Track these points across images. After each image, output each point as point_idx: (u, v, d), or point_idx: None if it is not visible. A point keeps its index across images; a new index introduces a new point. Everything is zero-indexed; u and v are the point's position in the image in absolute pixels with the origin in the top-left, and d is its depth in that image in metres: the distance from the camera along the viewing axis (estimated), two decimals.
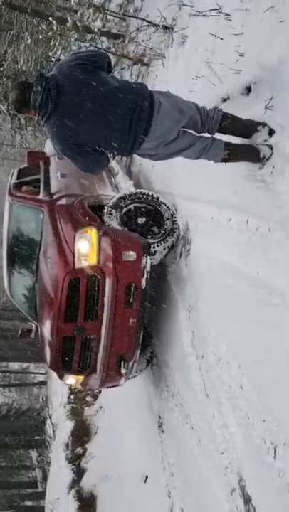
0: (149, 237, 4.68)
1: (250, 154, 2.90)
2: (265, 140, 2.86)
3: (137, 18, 6.20)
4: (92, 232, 4.20)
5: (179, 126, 2.78)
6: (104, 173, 6.02)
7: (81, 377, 4.61)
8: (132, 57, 6.80)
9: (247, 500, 3.00)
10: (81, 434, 8.36)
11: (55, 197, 5.08)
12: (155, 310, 5.61)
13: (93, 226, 4.27)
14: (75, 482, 7.28)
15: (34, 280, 5.03)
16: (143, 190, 4.94)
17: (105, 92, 2.61)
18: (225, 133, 2.99)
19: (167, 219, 4.77)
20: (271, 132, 2.84)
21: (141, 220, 4.79)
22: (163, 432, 4.99)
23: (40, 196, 5.16)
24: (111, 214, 4.64)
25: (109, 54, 7.34)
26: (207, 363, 3.81)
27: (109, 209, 4.67)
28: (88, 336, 4.30)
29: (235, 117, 2.98)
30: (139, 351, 4.58)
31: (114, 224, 4.60)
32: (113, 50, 7.14)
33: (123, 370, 4.46)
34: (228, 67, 3.33)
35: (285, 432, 2.58)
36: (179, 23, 5.21)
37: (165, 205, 4.85)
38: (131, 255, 4.19)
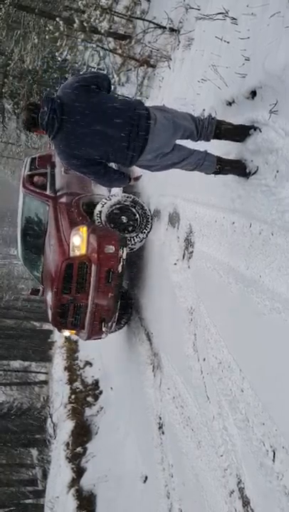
0: (130, 228, 6.15)
1: (238, 169, 3.22)
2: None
3: (143, 19, 6.22)
4: (84, 230, 5.65)
5: (175, 139, 3.04)
6: None
7: (74, 332, 6.40)
8: (138, 58, 6.82)
9: (245, 503, 3.01)
10: (81, 434, 8.39)
11: (58, 194, 6.46)
12: (157, 310, 5.64)
13: (84, 225, 5.72)
14: (75, 481, 7.31)
15: (41, 254, 6.72)
16: (122, 197, 6.17)
17: (105, 111, 2.89)
18: (220, 139, 3.22)
19: (141, 216, 6.15)
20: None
21: (124, 219, 6.16)
22: (163, 433, 5.01)
23: (47, 192, 6.53)
24: (99, 216, 6.07)
25: (116, 55, 7.42)
26: (208, 366, 3.82)
27: (98, 213, 6.05)
28: (79, 304, 5.87)
29: (228, 124, 3.21)
30: (116, 315, 6.19)
31: (102, 220, 6.04)
32: (119, 51, 7.15)
33: (104, 328, 6.08)
34: (234, 70, 3.34)
35: (285, 436, 2.59)
36: (186, 25, 5.22)
37: (140, 205, 6.17)
38: (111, 248, 5.64)
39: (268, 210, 3.05)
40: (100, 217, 6.03)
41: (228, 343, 3.53)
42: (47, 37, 7.52)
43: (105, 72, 7.61)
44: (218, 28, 3.81)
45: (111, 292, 5.82)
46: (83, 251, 5.60)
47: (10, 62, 11.51)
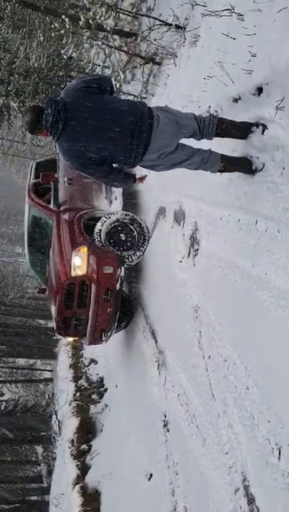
0: (128, 245, 6.54)
1: (244, 166, 3.20)
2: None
3: (149, 17, 6.20)
4: (84, 251, 6.07)
5: (178, 139, 3.07)
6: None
7: (76, 339, 7.18)
8: (143, 56, 6.80)
9: (250, 500, 3.00)
10: (86, 431, 8.40)
11: (61, 208, 6.82)
12: (162, 308, 5.64)
13: (85, 245, 6.14)
14: (80, 478, 7.33)
15: (45, 258, 7.17)
16: (121, 215, 6.54)
17: (108, 112, 2.94)
18: (222, 137, 3.24)
19: (139, 233, 6.52)
20: (264, 130, 3.07)
21: (122, 236, 6.53)
22: (168, 431, 5.00)
23: (51, 206, 6.89)
24: (99, 235, 6.41)
25: (121, 52, 7.40)
26: (214, 363, 3.81)
27: (98, 231, 6.39)
28: (80, 317, 6.37)
29: (230, 121, 3.23)
30: (115, 326, 6.67)
31: (102, 239, 6.42)
32: (125, 48, 7.14)
33: (104, 338, 6.62)
34: (240, 67, 3.33)
35: None
36: (192, 22, 5.20)
37: (138, 223, 6.55)
38: (109, 268, 6.06)
39: (274, 207, 3.04)
40: (100, 235, 6.36)
41: (233, 341, 3.52)
42: (52, 34, 7.52)
43: (110, 69, 7.61)
44: (225, 25, 3.79)
45: (110, 308, 6.29)
46: (84, 271, 6.04)
47: (15, 60, 11.51)
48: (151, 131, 2.94)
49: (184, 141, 3.20)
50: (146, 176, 3.55)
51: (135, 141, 2.95)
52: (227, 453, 3.40)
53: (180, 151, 3.11)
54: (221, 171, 3.27)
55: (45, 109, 2.92)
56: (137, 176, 3.43)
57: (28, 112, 3.05)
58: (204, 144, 3.31)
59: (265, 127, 3.09)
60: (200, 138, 3.21)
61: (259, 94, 3.22)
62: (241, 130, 3.19)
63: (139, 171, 3.79)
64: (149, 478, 5.26)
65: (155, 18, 5.94)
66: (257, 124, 3.13)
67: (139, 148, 2.98)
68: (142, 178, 3.49)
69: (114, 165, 3.21)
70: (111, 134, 2.93)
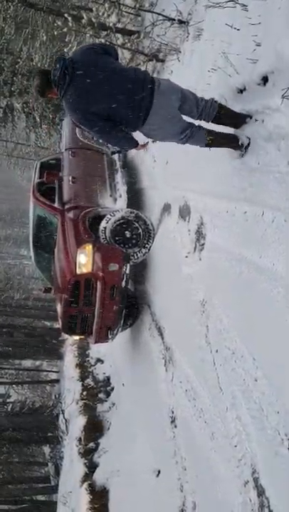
0: (134, 242, 6.47)
1: (231, 141, 3.37)
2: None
3: (152, 12, 6.18)
4: (89, 248, 6.02)
5: (177, 103, 3.19)
6: (107, 172, 7.55)
7: (82, 337, 6.97)
8: (146, 53, 6.79)
9: (260, 492, 2.98)
10: (93, 430, 8.38)
11: (66, 207, 6.77)
12: (168, 304, 5.62)
13: (90, 243, 6.06)
14: (88, 476, 7.31)
15: (51, 257, 7.11)
16: (126, 212, 6.48)
17: (113, 71, 3.11)
18: (218, 123, 3.39)
19: (144, 230, 6.46)
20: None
21: (127, 234, 6.45)
22: (176, 426, 4.98)
23: (56, 204, 6.84)
24: (104, 233, 6.34)
25: (125, 50, 7.39)
26: (221, 356, 3.79)
27: (103, 229, 6.33)
28: (86, 315, 6.33)
29: (228, 109, 3.41)
30: (121, 323, 6.61)
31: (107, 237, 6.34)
32: (128, 45, 7.13)
33: (109, 336, 6.58)
34: (245, 57, 3.31)
35: None
36: (195, 16, 5.18)
37: (142, 220, 6.47)
38: (115, 266, 6.02)
39: (280, 198, 3.02)
40: (105, 233, 6.32)
41: (240, 333, 3.50)
42: (55, 33, 7.53)
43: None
44: (228, 16, 3.77)
45: (116, 305, 6.27)
46: (89, 269, 6.01)
47: (18, 60, 11.56)
48: (153, 94, 3.09)
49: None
50: (148, 142, 3.66)
51: (138, 101, 3.08)
52: (236, 446, 3.38)
53: (177, 122, 3.24)
54: (208, 146, 3.38)
55: (53, 70, 3.09)
56: (140, 143, 3.52)
57: (37, 75, 3.26)
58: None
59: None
60: (197, 117, 3.34)
61: (264, 84, 3.21)
62: (237, 118, 3.33)
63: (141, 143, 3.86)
64: (158, 475, 5.24)
65: (158, 14, 5.92)
66: (251, 116, 3.27)
67: (142, 109, 3.11)
68: (144, 145, 3.60)
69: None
70: (115, 92, 3.07)
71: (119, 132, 3.29)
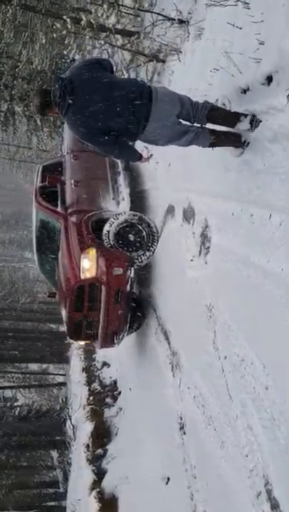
0: (138, 245, 6.35)
1: (234, 139, 3.41)
2: (248, 129, 3.27)
3: (151, 12, 6.10)
4: (93, 253, 5.94)
5: (175, 110, 3.26)
6: (109, 174, 7.50)
7: (88, 342, 6.87)
8: (147, 54, 6.71)
9: (274, 505, 2.89)
10: (101, 435, 8.31)
11: (69, 211, 6.73)
12: (174, 309, 5.54)
13: (93, 247, 5.99)
14: (96, 483, 7.24)
15: (54, 262, 7.07)
16: (129, 215, 6.40)
17: (110, 85, 3.21)
18: (214, 123, 3.42)
19: (147, 233, 6.35)
20: (252, 122, 3.22)
21: (131, 237, 6.34)
22: (185, 433, 4.90)
23: (58, 209, 6.78)
24: (107, 236, 6.24)
25: (125, 51, 7.32)
26: (230, 363, 3.70)
27: (106, 232, 6.24)
28: (91, 320, 6.22)
29: (222, 109, 3.51)
30: (127, 328, 6.53)
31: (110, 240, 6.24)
32: (128, 46, 7.05)
33: (115, 340, 6.50)
34: (248, 56, 3.23)
35: None
36: (195, 15, 5.10)
37: (146, 222, 6.37)
38: (119, 270, 5.93)
39: (288, 199, 2.93)
40: (108, 236, 6.24)
41: (249, 339, 3.41)
42: (54, 35, 7.45)
43: (114, 68, 7.54)
44: (230, 14, 3.68)
45: (121, 310, 6.19)
46: (93, 273, 5.93)
47: (18, 64, 11.49)
48: (151, 103, 3.17)
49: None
50: (151, 155, 3.73)
51: (136, 111, 3.17)
52: (247, 455, 3.29)
53: (177, 126, 3.32)
54: (212, 145, 3.43)
55: (52, 90, 3.19)
56: (144, 156, 3.63)
57: (36, 95, 3.38)
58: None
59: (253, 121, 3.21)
60: (193, 121, 3.39)
61: (268, 84, 3.12)
62: (232, 118, 3.34)
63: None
64: (167, 482, 5.16)
65: (158, 14, 5.84)
66: (246, 114, 3.26)
67: (141, 119, 3.19)
68: (148, 159, 3.68)
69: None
70: (113, 106, 3.17)
71: (122, 145, 3.40)
